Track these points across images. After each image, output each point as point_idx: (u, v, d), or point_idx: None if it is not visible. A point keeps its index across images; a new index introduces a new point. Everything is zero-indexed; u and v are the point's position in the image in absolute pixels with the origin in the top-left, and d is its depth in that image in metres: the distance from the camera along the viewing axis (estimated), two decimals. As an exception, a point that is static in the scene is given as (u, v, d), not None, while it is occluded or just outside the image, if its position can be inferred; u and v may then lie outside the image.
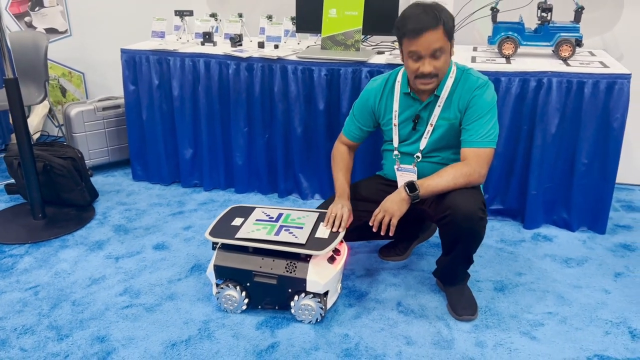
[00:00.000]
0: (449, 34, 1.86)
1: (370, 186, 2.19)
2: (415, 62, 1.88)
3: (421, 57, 1.86)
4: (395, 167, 2.09)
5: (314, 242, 1.93)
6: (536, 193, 2.58)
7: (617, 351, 1.83)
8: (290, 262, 1.93)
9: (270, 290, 1.96)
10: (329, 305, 1.99)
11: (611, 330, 1.93)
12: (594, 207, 2.57)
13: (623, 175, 3.05)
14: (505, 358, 1.80)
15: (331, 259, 1.98)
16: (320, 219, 2.07)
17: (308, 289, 1.91)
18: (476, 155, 1.91)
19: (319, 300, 1.92)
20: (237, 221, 2.08)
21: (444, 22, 1.83)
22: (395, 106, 2.04)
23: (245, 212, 2.16)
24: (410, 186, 1.88)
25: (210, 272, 2.01)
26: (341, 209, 2.01)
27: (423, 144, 2.01)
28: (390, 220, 1.88)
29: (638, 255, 2.41)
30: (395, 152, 2.09)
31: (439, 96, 1.96)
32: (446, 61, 1.89)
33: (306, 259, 1.92)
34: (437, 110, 1.97)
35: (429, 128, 1.99)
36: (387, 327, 1.96)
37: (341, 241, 2.03)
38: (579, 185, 2.54)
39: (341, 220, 1.99)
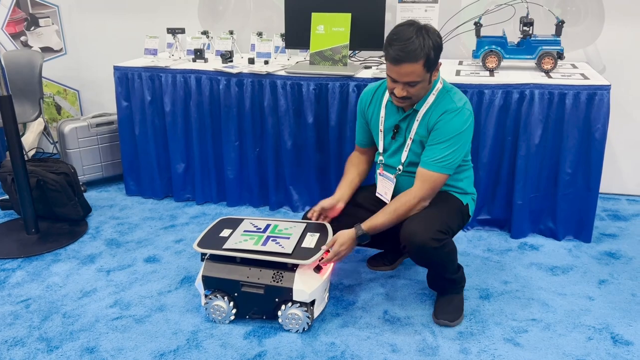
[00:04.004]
0: (431, 66, 1.86)
1: (366, 195, 2.23)
2: (391, 82, 1.92)
3: (397, 81, 1.89)
4: (378, 171, 2.15)
5: (300, 252, 1.96)
6: (522, 203, 2.62)
7: (599, 356, 1.85)
8: (277, 272, 1.96)
9: (257, 300, 1.99)
10: (316, 314, 2.02)
11: (594, 336, 1.96)
12: (579, 216, 2.61)
13: (609, 185, 3.10)
14: (489, 364, 1.83)
15: (317, 269, 2.01)
16: (307, 229, 2.11)
17: (294, 298, 1.94)
18: (422, 178, 1.94)
19: (306, 309, 1.95)
20: (226, 232, 2.12)
21: (427, 56, 1.82)
22: (382, 112, 2.10)
23: (234, 223, 2.19)
24: (360, 231, 1.96)
25: (198, 282, 2.04)
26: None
27: (404, 156, 2.06)
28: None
29: (622, 263, 2.44)
30: (380, 158, 2.14)
31: (417, 111, 2.00)
32: (423, 87, 1.92)
33: (293, 268, 1.95)
34: (415, 125, 2.01)
35: (409, 141, 2.03)
36: (373, 335, 1.99)
37: (328, 251, 2.07)
38: (564, 194, 2.59)
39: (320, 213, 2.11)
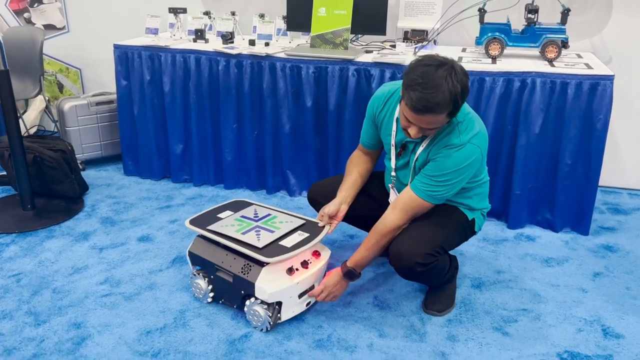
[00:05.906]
0: (455, 112, 1.69)
1: (375, 183, 2.15)
2: (406, 121, 1.74)
3: (413, 123, 1.72)
4: (390, 185, 2.06)
5: (272, 249, 1.86)
6: (520, 193, 2.59)
7: (588, 348, 1.83)
8: (247, 264, 1.89)
9: (227, 287, 1.95)
10: (285, 318, 1.91)
11: (584, 328, 1.93)
12: (578, 208, 2.58)
13: (610, 178, 3.06)
14: (475, 352, 1.81)
15: (290, 271, 1.89)
16: (302, 227, 2.01)
17: (256, 294, 1.85)
18: (404, 200, 1.85)
19: (268, 308, 1.86)
20: (225, 214, 2.10)
21: (454, 104, 1.64)
22: (394, 126, 1.94)
23: (241, 207, 2.17)
24: (345, 268, 1.90)
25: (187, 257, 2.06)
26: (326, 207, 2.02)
27: (411, 177, 1.94)
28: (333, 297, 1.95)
29: (619, 256, 2.41)
30: (393, 174, 2.02)
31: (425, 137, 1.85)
32: (439, 128, 1.77)
33: (262, 263, 1.85)
34: (419, 150, 1.86)
35: (412, 164, 1.91)
36: (361, 319, 1.97)
37: (317, 254, 1.99)
38: (563, 186, 2.55)
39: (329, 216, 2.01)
